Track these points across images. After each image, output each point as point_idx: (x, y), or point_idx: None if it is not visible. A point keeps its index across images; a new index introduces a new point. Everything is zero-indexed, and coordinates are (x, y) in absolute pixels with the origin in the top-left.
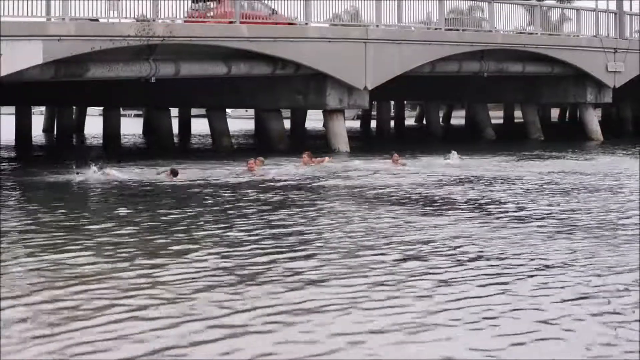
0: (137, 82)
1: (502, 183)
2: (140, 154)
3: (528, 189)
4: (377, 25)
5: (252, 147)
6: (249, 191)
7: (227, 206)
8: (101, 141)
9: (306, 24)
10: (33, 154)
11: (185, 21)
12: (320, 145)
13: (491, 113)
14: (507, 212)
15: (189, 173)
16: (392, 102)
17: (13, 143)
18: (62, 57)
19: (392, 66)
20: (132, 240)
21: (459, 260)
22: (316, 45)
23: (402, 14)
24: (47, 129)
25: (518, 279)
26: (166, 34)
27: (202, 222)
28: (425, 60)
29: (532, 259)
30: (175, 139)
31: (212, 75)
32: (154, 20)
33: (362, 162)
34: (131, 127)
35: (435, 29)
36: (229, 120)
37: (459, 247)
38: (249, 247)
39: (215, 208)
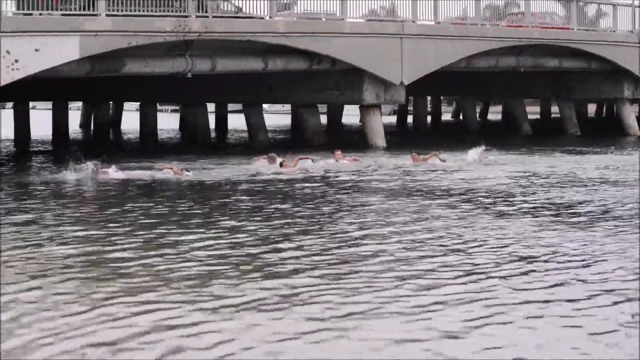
0: (173, 77)
1: (569, 181)
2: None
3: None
4: (413, 21)
5: (288, 142)
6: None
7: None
8: (138, 136)
9: (342, 19)
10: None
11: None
12: (356, 140)
13: (528, 108)
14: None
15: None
16: (429, 98)
17: (50, 138)
18: (98, 52)
19: (429, 61)
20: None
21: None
22: (352, 40)
23: (438, 10)
24: (84, 125)
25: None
26: (202, 30)
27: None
28: (462, 55)
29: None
30: (212, 135)
31: (249, 70)
32: (190, 15)
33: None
34: (168, 122)
35: (471, 24)
36: (265, 116)
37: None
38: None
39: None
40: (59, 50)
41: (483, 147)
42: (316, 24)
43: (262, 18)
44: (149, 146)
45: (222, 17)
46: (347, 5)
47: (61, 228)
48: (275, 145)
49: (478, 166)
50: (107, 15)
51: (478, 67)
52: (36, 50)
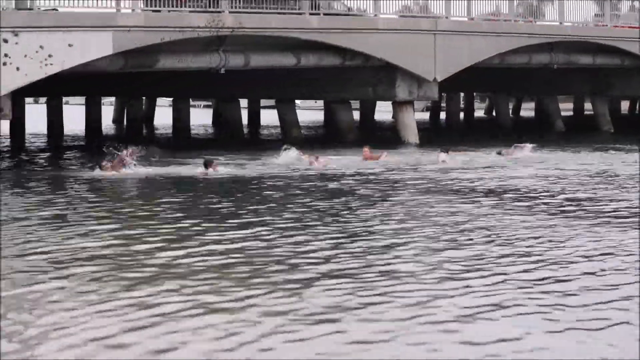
0: (206, 73)
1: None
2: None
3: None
4: (447, 17)
5: (321, 138)
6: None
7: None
8: (171, 132)
9: (375, 15)
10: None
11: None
12: (389, 137)
13: (561, 105)
14: None
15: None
16: (462, 94)
17: (83, 133)
18: (131, 48)
19: (462, 58)
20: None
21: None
22: (386, 36)
23: (471, 6)
24: (116, 120)
25: None
26: (236, 25)
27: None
28: (495, 52)
29: None
30: (245, 130)
31: (282, 66)
32: (223, 11)
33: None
34: (201, 118)
35: (505, 20)
36: (298, 112)
37: None
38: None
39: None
40: (92, 46)
41: (526, 145)
42: (349, 20)
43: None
44: (182, 142)
45: (254, 12)
46: (381, 2)
47: (88, 222)
48: (308, 141)
49: (511, 163)
50: (142, 10)
51: (511, 64)
52: (70, 45)
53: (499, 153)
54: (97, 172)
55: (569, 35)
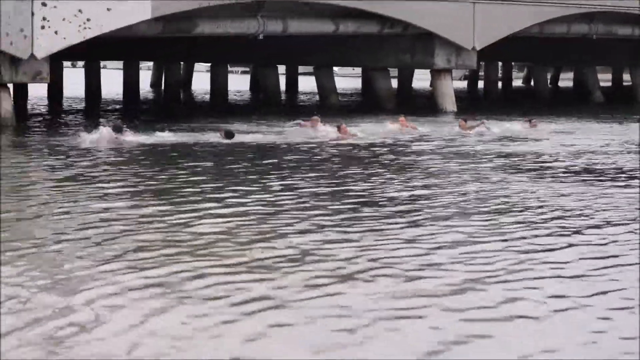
0: (245, 38)
1: None
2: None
3: None
4: None
5: (359, 106)
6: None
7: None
8: (208, 97)
9: None
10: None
11: None
12: (426, 105)
13: (599, 76)
14: None
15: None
16: (500, 63)
17: (120, 97)
18: (170, 13)
19: (501, 27)
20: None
21: None
22: (425, 4)
23: None
24: (154, 84)
25: None
26: None
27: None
28: (534, 21)
29: None
30: (283, 97)
31: (320, 33)
32: None
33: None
34: (238, 83)
35: None
36: (336, 79)
37: None
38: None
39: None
40: (130, 10)
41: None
42: None
43: None
44: (219, 107)
45: None
46: None
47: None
48: (345, 108)
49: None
50: None
51: (550, 33)
52: (108, 9)
53: (528, 122)
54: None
55: (609, 6)
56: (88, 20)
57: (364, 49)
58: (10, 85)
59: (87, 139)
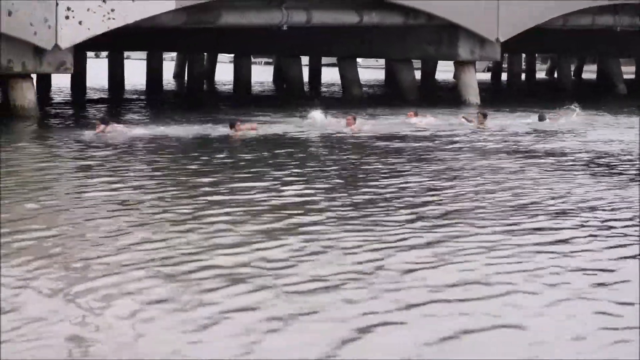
0: (268, 29)
1: None
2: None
3: None
4: None
5: (382, 97)
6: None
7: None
8: (231, 88)
9: None
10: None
11: None
12: (450, 96)
13: (623, 68)
14: None
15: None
16: (524, 55)
17: (144, 87)
18: (194, 3)
19: (525, 18)
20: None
21: None
22: None
23: None
24: (178, 75)
25: None
26: None
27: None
28: (558, 13)
29: None
30: (306, 88)
31: (344, 24)
32: None
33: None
34: (262, 74)
35: None
36: (359, 70)
37: None
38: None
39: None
40: (155, 1)
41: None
42: None
43: None
44: (243, 98)
45: None
46: None
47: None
48: (369, 99)
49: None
50: None
51: (574, 25)
52: (132, 0)
53: (541, 119)
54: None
55: None
56: (112, 10)
57: (388, 40)
58: (34, 75)
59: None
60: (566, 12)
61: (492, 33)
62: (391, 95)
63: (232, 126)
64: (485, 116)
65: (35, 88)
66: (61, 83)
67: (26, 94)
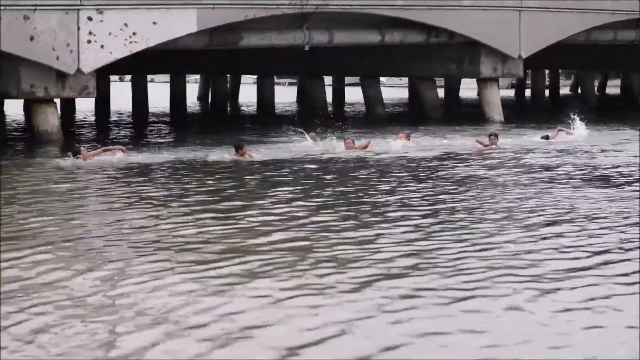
0: (291, 50)
1: None
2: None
3: None
4: None
5: (405, 116)
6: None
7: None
8: (255, 109)
9: None
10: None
11: None
12: (473, 114)
13: None
14: None
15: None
16: (547, 71)
17: (168, 110)
18: (216, 25)
19: (547, 34)
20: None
21: None
22: (470, 13)
23: None
24: (201, 97)
25: None
26: (320, 2)
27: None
28: (580, 28)
29: None
30: (329, 108)
31: (366, 43)
32: None
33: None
34: (286, 95)
35: None
36: (382, 89)
37: None
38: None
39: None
40: (176, 23)
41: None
42: None
43: None
44: (267, 119)
45: None
46: None
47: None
48: (392, 119)
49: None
50: None
51: (597, 40)
52: (154, 23)
53: (545, 137)
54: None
55: None
56: (134, 34)
57: (410, 58)
58: (57, 99)
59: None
60: (588, 28)
61: (515, 50)
62: (414, 114)
63: (237, 150)
64: (496, 136)
65: (58, 112)
66: (86, 106)
67: (49, 119)
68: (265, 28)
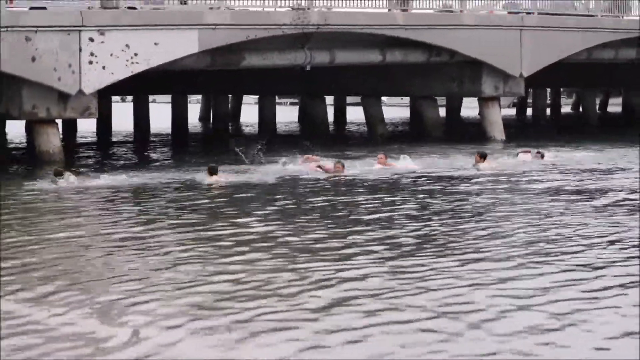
0: (292, 70)
1: None
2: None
3: None
4: (533, 12)
5: (407, 135)
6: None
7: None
8: (257, 129)
9: (461, 11)
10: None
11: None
12: (475, 133)
13: None
14: None
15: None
16: (548, 90)
17: (169, 131)
18: (217, 45)
19: (548, 53)
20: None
21: None
22: (471, 32)
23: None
24: (203, 118)
25: None
26: (321, 22)
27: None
28: (582, 47)
29: None
30: (331, 127)
31: (367, 63)
32: (309, 8)
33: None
34: (287, 115)
35: (591, 15)
36: (384, 108)
37: None
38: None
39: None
40: (178, 44)
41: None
42: (435, 16)
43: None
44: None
45: (340, 9)
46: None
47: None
48: (394, 138)
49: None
50: (226, 8)
51: (598, 59)
52: (155, 44)
53: (517, 156)
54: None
55: None
56: (135, 54)
57: (411, 77)
58: (59, 120)
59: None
60: (589, 46)
61: (516, 68)
62: (416, 133)
63: (211, 173)
64: (482, 156)
65: (60, 133)
66: (88, 127)
67: (51, 139)
68: (267, 48)
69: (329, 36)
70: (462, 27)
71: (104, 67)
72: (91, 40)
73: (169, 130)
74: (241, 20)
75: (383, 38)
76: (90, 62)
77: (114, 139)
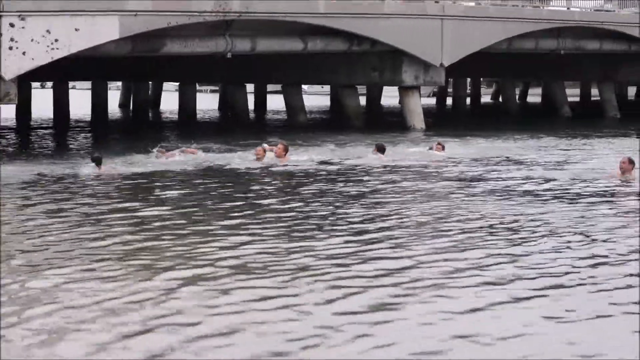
0: (213, 57)
1: None
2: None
3: None
4: (454, 2)
5: (327, 124)
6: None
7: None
8: (176, 117)
9: (383, 0)
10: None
11: None
12: (395, 122)
13: (567, 91)
14: None
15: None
16: (469, 79)
17: (89, 118)
18: (138, 32)
19: (469, 43)
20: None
21: None
22: (392, 21)
23: None
24: (123, 104)
25: None
26: (243, 10)
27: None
28: (502, 37)
29: None
30: (251, 115)
31: (288, 51)
32: None
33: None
34: (208, 102)
35: (512, 5)
36: (304, 97)
37: None
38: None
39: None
40: (99, 30)
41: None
42: (356, 4)
43: None
44: (188, 126)
45: None
46: None
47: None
48: (315, 126)
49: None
50: None
51: (518, 49)
52: (76, 29)
53: (431, 149)
54: None
55: (576, 21)
56: (56, 40)
57: (333, 66)
58: None
59: None
60: (510, 36)
61: (436, 58)
62: (336, 121)
63: (96, 164)
64: (380, 149)
65: None
66: (6, 113)
67: None
68: (188, 35)
69: (251, 24)
70: (383, 16)
71: (24, 53)
72: (11, 25)
73: (89, 117)
74: (162, 6)
75: (305, 26)
76: (11, 48)
77: (33, 125)
